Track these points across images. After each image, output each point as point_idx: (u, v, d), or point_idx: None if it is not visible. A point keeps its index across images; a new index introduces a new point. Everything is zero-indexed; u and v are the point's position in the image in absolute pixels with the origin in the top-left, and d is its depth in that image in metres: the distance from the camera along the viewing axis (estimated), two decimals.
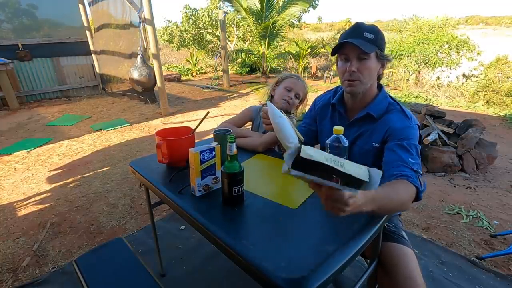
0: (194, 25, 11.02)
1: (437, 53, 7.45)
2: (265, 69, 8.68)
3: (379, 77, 1.10)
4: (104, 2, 5.64)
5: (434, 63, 7.37)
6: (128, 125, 4.45)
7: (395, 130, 1.02)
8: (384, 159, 1.02)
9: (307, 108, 1.58)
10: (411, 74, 8.07)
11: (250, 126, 1.74)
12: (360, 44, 0.97)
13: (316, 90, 7.33)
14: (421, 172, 0.96)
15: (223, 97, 6.65)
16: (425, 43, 7.51)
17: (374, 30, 1.01)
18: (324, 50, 9.76)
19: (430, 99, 6.39)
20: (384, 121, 1.06)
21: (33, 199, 2.44)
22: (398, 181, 0.92)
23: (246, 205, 0.93)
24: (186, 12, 11.03)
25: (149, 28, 4.36)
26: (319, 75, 9.69)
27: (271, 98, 1.63)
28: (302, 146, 0.75)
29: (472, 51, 7.36)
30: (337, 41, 1.11)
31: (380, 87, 1.14)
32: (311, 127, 1.33)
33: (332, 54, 1.09)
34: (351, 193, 0.70)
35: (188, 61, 10.69)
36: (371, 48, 0.99)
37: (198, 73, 10.61)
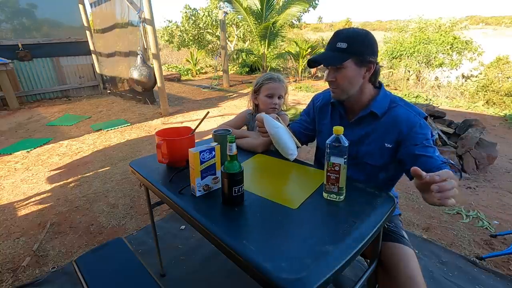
0: (194, 25, 11.02)
1: (438, 53, 7.44)
2: (265, 69, 8.67)
3: (371, 78, 1.07)
4: (104, 2, 5.64)
5: (438, 63, 7.36)
6: (128, 125, 4.45)
7: (410, 130, 1.01)
8: (424, 166, 0.93)
9: (290, 98, 1.58)
10: (412, 74, 8.08)
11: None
12: (326, 59, 1.04)
13: (316, 90, 7.33)
14: (449, 161, 0.95)
15: (223, 97, 6.65)
16: (427, 43, 7.51)
17: (349, 37, 1.01)
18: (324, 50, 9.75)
19: (430, 99, 6.39)
20: (389, 119, 1.05)
21: (33, 199, 2.44)
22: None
23: (246, 205, 0.93)
24: (186, 12, 11.03)
25: (149, 28, 4.35)
26: (319, 75, 9.70)
27: (256, 107, 1.61)
28: None
29: (474, 52, 7.35)
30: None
31: (380, 86, 1.13)
32: (309, 125, 1.32)
33: (310, 67, 1.15)
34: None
35: (188, 61, 10.70)
36: (342, 58, 1.00)
37: (198, 73, 10.61)
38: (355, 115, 1.12)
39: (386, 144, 1.06)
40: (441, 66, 7.50)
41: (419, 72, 7.88)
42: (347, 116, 1.16)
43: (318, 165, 1.24)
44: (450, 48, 7.37)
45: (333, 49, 1.02)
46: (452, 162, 0.95)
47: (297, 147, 1.16)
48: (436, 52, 7.37)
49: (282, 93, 1.51)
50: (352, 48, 1.00)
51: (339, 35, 1.02)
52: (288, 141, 1.10)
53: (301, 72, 9.25)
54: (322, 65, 1.10)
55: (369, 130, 1.09)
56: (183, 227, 2.03)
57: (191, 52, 10.63)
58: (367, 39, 1.02)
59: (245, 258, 0.71)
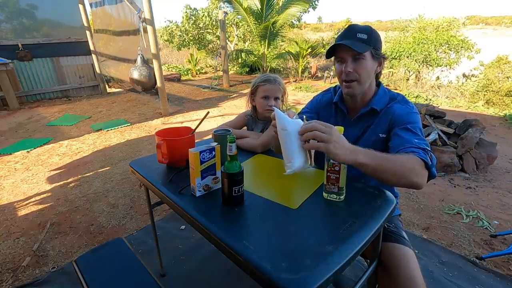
0: (194, 25, 11.02)
1: (436, 52, 7.45)
2: (265, 69, 8.67)
3: (377, 76, 1.12)
4: (107, 3, 5.63)
5: (434, 60, 7.36)
6: (128, 125, 4.45)
7: (398, 116, 1.05)
8: (390, 145, 1.02)
9: (288, 97, 1.58)
10: (411, 74, 8.08)
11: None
12: (353, 45, 1.00)
13: (316, 90, 7.33)
14: (429, 149, 0.94)
15: (223, 97, 6.65)
16: (425, 43, 7.51)
17: (367, 30, 1.03)
18: (324, 50, 9.76)
19: (430, 99, 6.40)
20: (386, 112, 1.08)
21: (33, 199, 2.44)
22: (403, 153, 0.93)
23: (246, 205, 0.93)
24: (186, 12, 11.02)
25: (149, 28, 4.36)
26: (319, 75, 9.70)
27: (253, 109, 1.61)
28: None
29: (470, 49, 7.35)
30: (335, 41, 1.12)
31: (378, 84, 1.16)
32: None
33: (327, 57, 1.11)
34: (328, 124, 0.81)
35: (189, 61, 10.71)
36: (365, 48, 1.01)
37: (198, 73, 10.62)
38: (357, 113, 1.14)
39: (380, 135, 1.09)
40: (439, 65, 7.50)
41: (419, 72, 7.89)
42: (349, 114, 1.18)
43: (318, 165, 1.24)
44: (447, 47, 7.37)
45: (355, 38, 1.02)
46: (428, 148, 0.94)
47: (308, 164, 0.90)
48: (434, 51, 7.37)
49: (278, 95, 1.50)
50: (371, 40, 1.02)
51: (356, 27, 1.04)
52: (291, 150, 0.85)
53: (301, 72, 9.25)
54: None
55: (367, 125, 1.12)
56: (183, 227, 2.03)
57: (191, 54, 10.63)
58: (379, 35, 1.06)
59: (245, 258, 0.71)
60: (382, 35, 9.78)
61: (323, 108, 1.26)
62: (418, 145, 0.94)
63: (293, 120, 0.88)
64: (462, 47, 7.31)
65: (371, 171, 0.85)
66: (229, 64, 9.76)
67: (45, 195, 2.51)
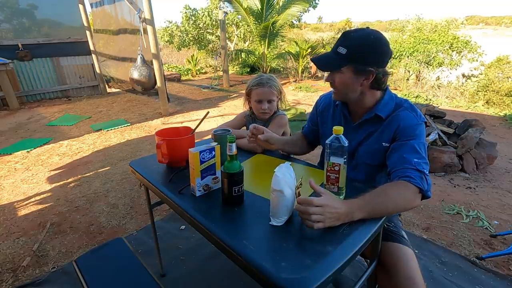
0: (194, 25, 11.02)
1: (438, 52, 7.45)
2: (265, 69, 8.67)
3: (373, 85, 1.04)
4: (107, 2, 5.62)
5: (437, 63, 7.36)
6: (128, 125, 4.45)
7: (404, 128, 1.01)
8: (390, 159, 1.00)
9: (288, 97, 1.58)
10: (411, 74, 8.08)
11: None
12: (324, 62, 1.04)
13: (316, 90, 7.33)
14: (427, 172, 0.93)
15: (223, 97, 6.65)
16: (426, 43, 7.51)
17: (351, 44, 0.97)
18: (324, 50, 9.76)
19: (430, 99, 6.39)
20: (392, 120, 1.04)
21: (33, 199, 2.44)
22: (395, 183, 0.92)
23: (246, 205, 0.93)
24: (186, 12, 11.03)
25: (149, 28, 4.36)
26: (319, 75, 9.69)
27: (251, 109, 1.61)
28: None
29: (474, 52, 7.34)
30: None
31: (385, 89, 1.10)
32: (315, 131, 1.34)
33: (313, 61, 1.11)
34: (319, 201, 0.78)
35: (189, 61, 10.71)
36: (337, 64, 1.00)
37: (198, 73, 10.61)
38: (360, 117, 1.12)
39: (383, 143, 1.06)
40: (441, 66, 7.50)
41: (419, 72, 7.89)
42: (352, 118, 1.15)
43: (322, 167, 1.24)
44: (449, 47, 7.37)
45: (334, 52, 1.01)
46: (426, 171, 0.93)
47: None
48: (436, 52, 7.37)
49: (272, 97, 1.49)
50: (351, 55, 0.97)
51: (344, 39, 1.00)
52: (283, 210, 0.84)
53: (301, 72, 9.25)
54: None
55: (371, 131, 1.09)
56: (183, 227, 2.03)
57: (192, 55, 10.63)
58: (373, 47, 0.97)
59: (245, 258, 0.71)
60: None
61: (322, 111, 1.27)
62: (416, 166, 0.92)
63: (291, 182, 0.86)
64: (465, 48, 7.31)
65: (367, 217, 0.85)
66: (229, 64, 9.76)
67: (45, 195, 2.51)
